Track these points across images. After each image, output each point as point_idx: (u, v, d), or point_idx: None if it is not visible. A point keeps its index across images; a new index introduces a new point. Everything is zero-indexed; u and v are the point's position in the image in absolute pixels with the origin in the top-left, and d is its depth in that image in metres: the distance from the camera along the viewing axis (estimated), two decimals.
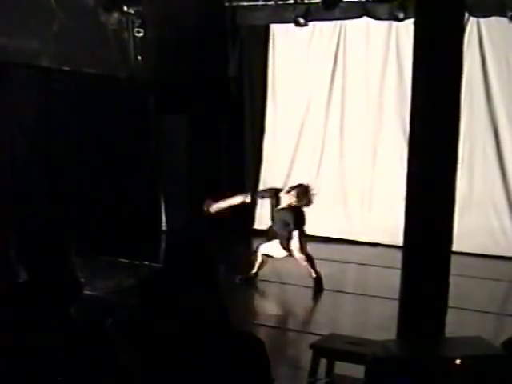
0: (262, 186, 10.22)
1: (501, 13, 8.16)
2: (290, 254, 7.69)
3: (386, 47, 9.31)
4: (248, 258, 8.00)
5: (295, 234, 7.60)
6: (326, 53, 9.66)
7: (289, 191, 7.72)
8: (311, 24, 9.20)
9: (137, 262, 8.19)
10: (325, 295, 7.56)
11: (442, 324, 4.55)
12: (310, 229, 8.37)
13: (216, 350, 2.35)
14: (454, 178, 4.67)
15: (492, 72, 8.88)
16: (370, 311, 7.01)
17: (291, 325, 6.57)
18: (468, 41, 8.05)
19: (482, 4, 8.11)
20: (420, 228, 4.56)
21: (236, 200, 7.97)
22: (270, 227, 7.93)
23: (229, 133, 10.18)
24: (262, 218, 10.20)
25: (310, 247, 8.44)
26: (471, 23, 8.63)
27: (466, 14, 7.73)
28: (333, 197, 9.43)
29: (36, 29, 8.03)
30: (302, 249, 7.63)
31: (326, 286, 7.58)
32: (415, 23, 4.66)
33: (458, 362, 3.62)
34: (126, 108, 9.35)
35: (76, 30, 8.38)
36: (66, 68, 8.44)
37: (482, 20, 8.63)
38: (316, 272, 7.60)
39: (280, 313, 7.28)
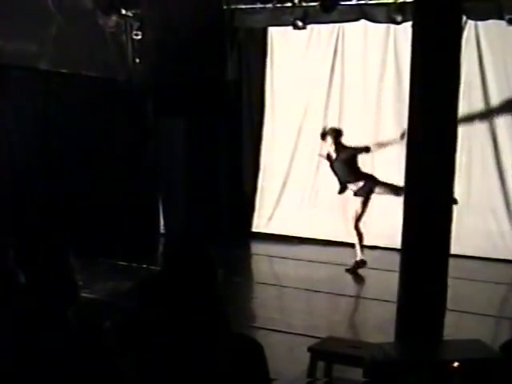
0: (260, 187, 10.23)
1: (498, 16, 8.16)
2: None
3: (383, 50, 9.31)
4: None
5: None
6: (324, 55, 9.67)
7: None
8: (309, 27, 9.19)
9: (135, 265, 8.18)
10: (323, 298, 7.56)
11: (440, 327, 4.55)
12: (310, 232, 8.38)
13: (214, 353, 2.35)
14: (452, 181, 4.68)
15: (490, 75, 8.89)
16: (369, 314, 7.01)
17: (289, 328, 6.55)
18: (466, 44, 8.04)
19: (480, 7, 8.11)
20: (418, 230, 4.56)
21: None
22: None
23: (227, 135, 10.18)
24: (261, 220, 10.22)
25: (310, 250, 8.46)
26: (469, 26, 8.64)
27: (464, 18, 7.74)
28: (331, 199, 9.41)
29: (35, 32, 8.04)
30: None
31: (324, 288, 7.58)
32: (413, 26, 4.67)
33: (456, 364, 3.62)
34: (124, 110, 9.35)
35: (74, 33, 8.40)
36: (64, 71, 8.45)
37: (479, 23, 8.64)
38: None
39: (278, 315, 7.27)
